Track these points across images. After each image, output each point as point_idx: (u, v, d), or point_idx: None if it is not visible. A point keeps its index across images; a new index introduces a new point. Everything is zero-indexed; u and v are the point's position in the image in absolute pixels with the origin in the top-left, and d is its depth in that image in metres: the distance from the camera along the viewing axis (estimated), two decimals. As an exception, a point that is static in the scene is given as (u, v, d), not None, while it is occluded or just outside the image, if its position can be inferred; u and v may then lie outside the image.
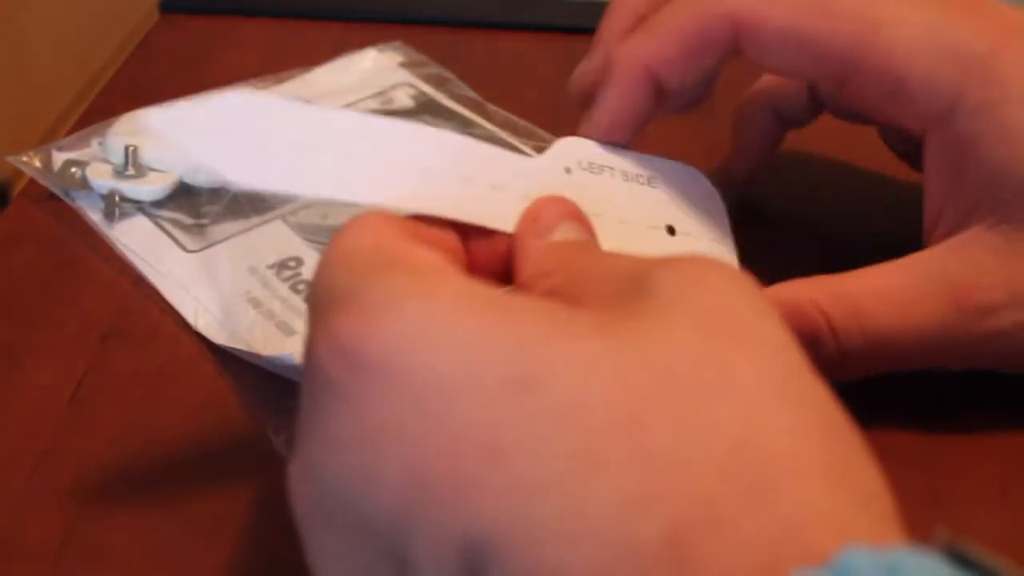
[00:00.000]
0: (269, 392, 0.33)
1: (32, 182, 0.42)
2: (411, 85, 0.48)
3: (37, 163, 0.41)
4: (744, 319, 0.22)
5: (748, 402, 0.20)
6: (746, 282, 0.23)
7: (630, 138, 0.34)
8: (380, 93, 0.47)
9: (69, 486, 0.31)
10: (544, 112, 0.46)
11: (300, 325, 0.35)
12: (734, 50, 0.33)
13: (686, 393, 0.20)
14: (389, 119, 0.29)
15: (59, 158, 0.41)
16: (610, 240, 0.30)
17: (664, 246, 0.33)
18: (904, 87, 0.31)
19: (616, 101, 0.33)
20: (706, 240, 0.34)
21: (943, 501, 0.31)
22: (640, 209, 0.33)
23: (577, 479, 0.19)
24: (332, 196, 0.28)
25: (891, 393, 0.32)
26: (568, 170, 0.32)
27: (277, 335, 0.35)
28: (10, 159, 0.42)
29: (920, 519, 0.30)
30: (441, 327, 0.21)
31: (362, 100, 0.47)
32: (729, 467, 0.19)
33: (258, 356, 0.34)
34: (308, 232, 0.40)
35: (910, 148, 0.36)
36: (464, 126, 0.45)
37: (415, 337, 0.21)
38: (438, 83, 0.48)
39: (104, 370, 0.34)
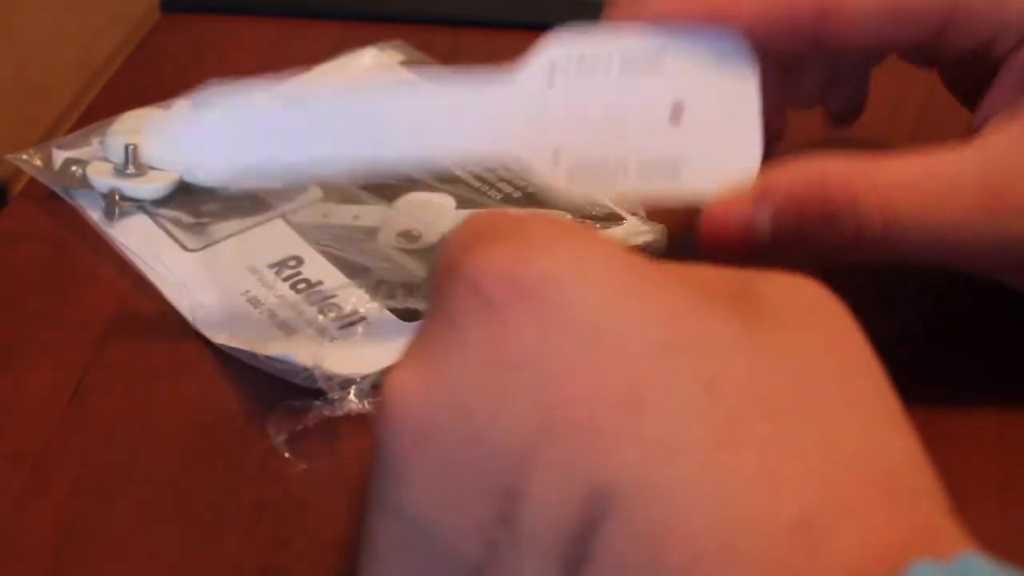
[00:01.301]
0: (269, 391, 0.33)
1: (32, 181, 0.42)
2: None
3: (37, 161, 0.41)
4: (851, 338, 0.23)
5: (868, 421, 0.21)
6: (838, 301, 0.23)
7: (656, 15, 0.32)
8: None
9: (69, 486, 0.31)
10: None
11: (300, 325, 0.35)
12: (815, 32, 0.32)
13: (816, 398, 0.21)
14: (359, 90, 0.29)
15: (59, 156, 0.41)
16: (593, 148, 0.30)
17: (665, 133, 0.31)
18: (1000, 17, 0.31)
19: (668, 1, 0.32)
20: (721, 115, 0.32)
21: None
22: (637, 96, 0.32)
23: (717, 448, 0.20)
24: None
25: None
26: (551, 83, 0.31)
27: (277, 335, 0.35)
28: (10, 157, 0.42)
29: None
30: (598, 273, 0.22)
31: None
32: (859, 472, 0.20)
33: (258, 356, 0.34)
34: (309, 231, 0.40)
35: (974, 86, 0.35)
36: None
37: (575, 275, 0.22)
38: None
39: (104, 370, 0.34)
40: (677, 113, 0.32)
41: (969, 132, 0.32)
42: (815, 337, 0.22)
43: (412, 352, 0.23)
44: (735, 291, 0.23)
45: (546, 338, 0.21)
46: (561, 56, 0.32)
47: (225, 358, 0.34)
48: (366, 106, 0.30)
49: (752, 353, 0.21)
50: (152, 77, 0.49)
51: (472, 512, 0.21)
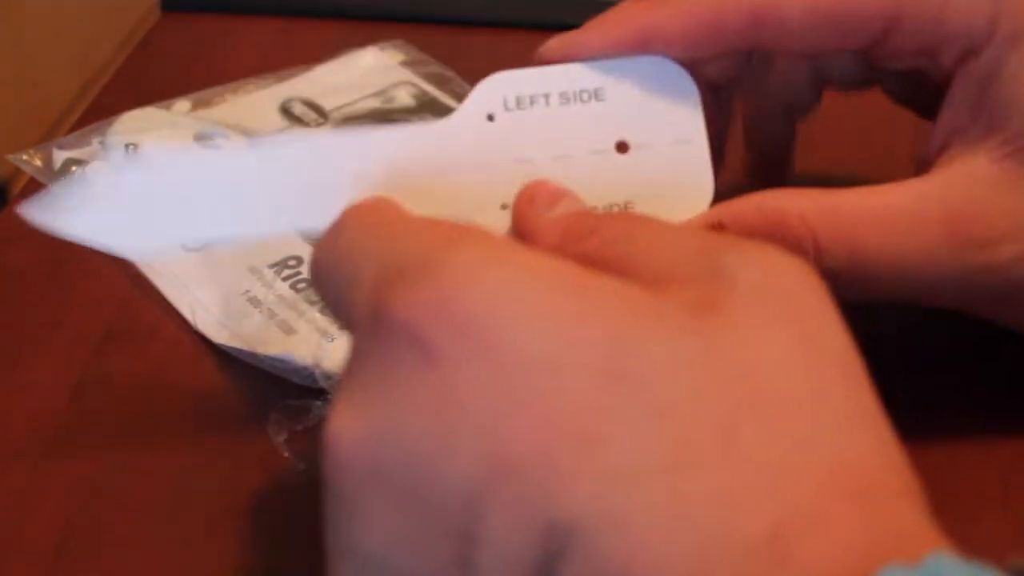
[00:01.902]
0: (269, 391, 0.33)
1: (31, 181, 0.41)
2: (412, 84, 0.48)
3: (37, 161, 0.41)
4: (829, 329, 0.22)
5: (840, 421, 0.21)
6: (820, 284, 0.23)
7: (590, 51, 0.31)
8: (381, 92, 0.47)
9: (68, 485, 0.31)
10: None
11: (300, 324, 0.35)
12: (750, 42, 0.31)
13: (781, 405, 0.20)
14: (282, 139, 0.28)
15: (60, 157, 0.41)
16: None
17: (613, 169, 0.31)
18: (942, 29, 0.31)
19: (595, 34, 0.31)
20: (667, 145, 0.31)
21: (943, 502, 0.31)
22: (581, 134, 0.31)
23: (675, 473, 0.19)
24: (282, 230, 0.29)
25: (891, 394, 0.32)
26: (491, 117, 0.31)
27: (277, 334, 0.35)
28: (10, 157, 0.42)
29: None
30: (534, 300, 0.21)
31: (363, 99, 0.47)
32: (826, 478, 0.20)
33: (258, 356, 0.34)
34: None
35: (920, 93, 0.35)
36: None
37: (509, 308, 0.21)
38: (439, 82, 0.48)
39: (104, 370, 0.34)
40: (622, 147, 0.31)
41: (927, 150, 0.32)
42: (786, 332, 0.21)
43: (347, 396, 0.22)
44: (701, 274, 0.22)
45: (488, 378, 0.20)
46: (498, 98, 0.31)
47: (225, 358, 0.34)
48: (297, 159, 0.29)
49: (703, 369, 0.20)
50: (152, 77, 0.49)
51: (429, 554, 0.21)
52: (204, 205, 0.28)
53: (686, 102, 0.32)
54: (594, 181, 0.30)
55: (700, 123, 0.31)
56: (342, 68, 0.49)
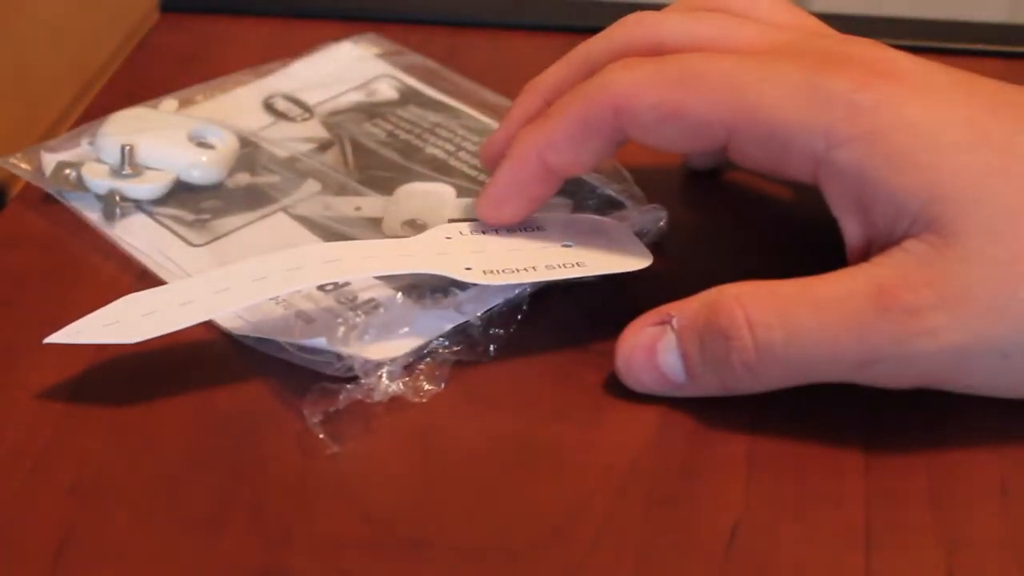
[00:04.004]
0: (274, 391, 0.33)
1: (29, 183, 0.41)
2: (392, 77, 0.48)
3: (26, 165, 0.41)
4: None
5: None
6: None
7: (520, 216, 0.36)
8: (362, 85, 0.47)
9: (69, 485, 0.31)
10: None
11: (320, 313, 0.35)
12: (621, 134, 0.34)
13: None
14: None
15: (50, 160, 0.41)
16: (500, 263, 0.35)
17: (564, 255, 0.36)
18: (779, 138, 0.32)
19: (508, 178, 0.36)
20: (609, 243, 0.37)
21: (943, 502, 0.31)
22: (531, 245, 0.37)
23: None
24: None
25: (891, 394, 0.32)
26: (448, 238, 0.36)
27: (298, 323, 0.35)
28: None
29: (920, 521, 0.30)
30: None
31: (344, 93, 0.47)
32: None
33: (282, 345, 0.34)
34: (311, 224, 0.40)
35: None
36: (452, 116, 0.46)
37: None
38: (424, 74, 0.48)
39: (104, 370, 0.34)
40: (568, 245, 0.37)
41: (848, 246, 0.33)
42: None
43: None
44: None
45: None
46: (452, 230, 0.37)
47: (233, 349, 0.34)
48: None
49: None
50: (151, 78, 0.49)
51: None
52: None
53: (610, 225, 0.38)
54: (547, 259, 0.36)
55: (626, 230, 0.38)
56: (319, 62, 0.49)
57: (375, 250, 0.36)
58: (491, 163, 0.38)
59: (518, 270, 0.35)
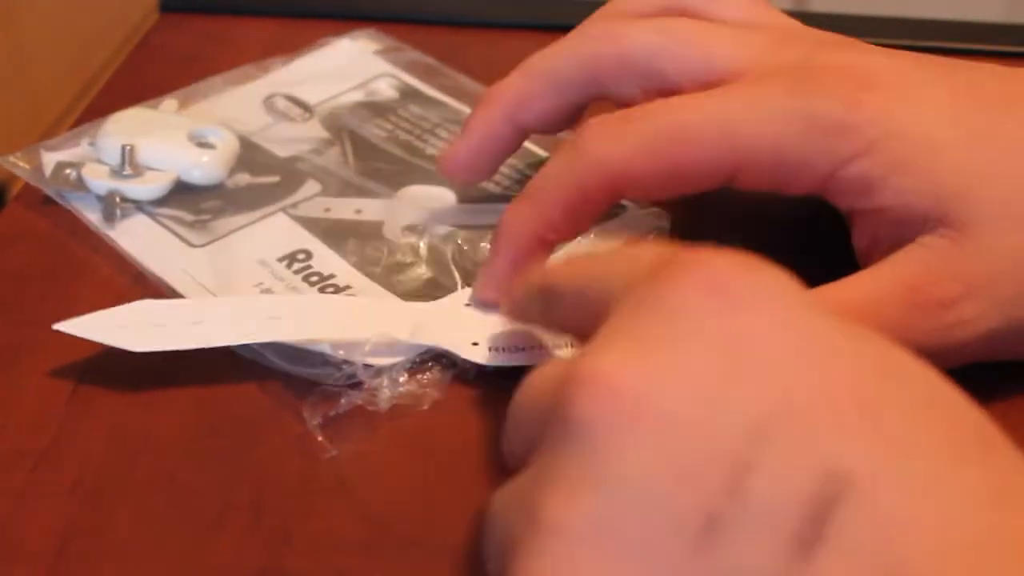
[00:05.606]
0: (273, 390, 0.33)
1: (28, 183, 0.41)
2: (392, 76, 0.48)
3: (25, 164, 0.41)
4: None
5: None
6: None
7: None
8: (362, 85, 0.47)
9: (69, 485, 0.31)
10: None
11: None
12: (618, 199, 0.35)
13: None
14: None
15: (50, 160, 0.41)
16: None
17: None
18: (782, 170, 0.33)
19: (505, 261, 0.35)
20: None
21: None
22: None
23: (944, 459, 0.22)
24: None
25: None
26: (468, 303, 0.36)
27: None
28: None
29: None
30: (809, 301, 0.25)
31: (344, 93, 0.47)
32: None
33: (283, 360, 0.34)
34: (311, 225, 0.40)
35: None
36: (452, 116, 0.46)
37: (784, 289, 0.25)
38: (424, 72, 0.48)
39: (104, 370, 0.34)
40: None
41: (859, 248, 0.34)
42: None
43: (621, 337, 0.24)
44: None
45: (784, 339, 0.23)
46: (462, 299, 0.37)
47: (229, 355, 0.34)
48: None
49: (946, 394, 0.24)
50: (151, 77, 0.49)
51: (696, 483, 0.21)
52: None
53: None
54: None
55: None
56: (319, 60, 0.49)
57: (397, 313, 0.35)
58: (451, 174, 0.38)
59: (522, 349, 0.34)
